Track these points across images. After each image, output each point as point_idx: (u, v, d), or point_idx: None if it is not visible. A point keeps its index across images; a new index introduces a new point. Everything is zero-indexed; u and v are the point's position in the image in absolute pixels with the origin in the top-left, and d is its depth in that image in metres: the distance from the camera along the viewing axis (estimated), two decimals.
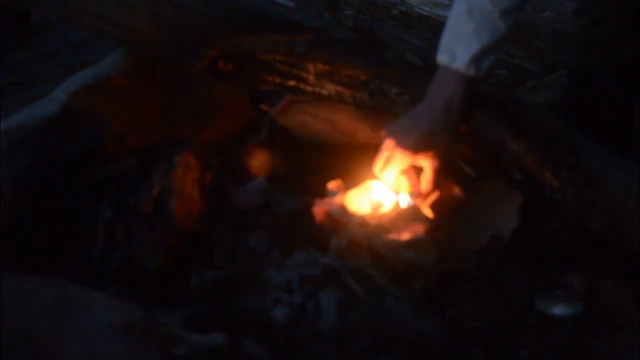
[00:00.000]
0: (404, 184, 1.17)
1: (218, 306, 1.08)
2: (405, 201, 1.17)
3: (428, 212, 1.14)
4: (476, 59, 1.09)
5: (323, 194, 1.22)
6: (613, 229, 1.08)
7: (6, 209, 1.10)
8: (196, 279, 1.13)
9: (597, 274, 1.11)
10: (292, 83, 1.27)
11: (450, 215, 1.17)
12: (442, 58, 1.11)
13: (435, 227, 1.12)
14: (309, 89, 1.26)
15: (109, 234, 1.13)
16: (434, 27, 2.50)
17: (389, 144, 1.15)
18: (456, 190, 1.21)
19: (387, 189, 1.21)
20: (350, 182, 1.24)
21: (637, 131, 1.75)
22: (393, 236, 1.11)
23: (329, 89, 1.25)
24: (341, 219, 1.16)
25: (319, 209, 1.19)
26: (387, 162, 1.16)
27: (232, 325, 1.03)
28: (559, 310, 1.06)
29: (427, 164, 1.14)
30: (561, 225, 1.15)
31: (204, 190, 1.25)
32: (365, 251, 1.12)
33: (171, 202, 1.16)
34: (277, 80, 1.28)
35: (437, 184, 1.16)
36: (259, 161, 1.36)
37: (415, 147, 1.13)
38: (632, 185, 1.07)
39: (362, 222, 1.15)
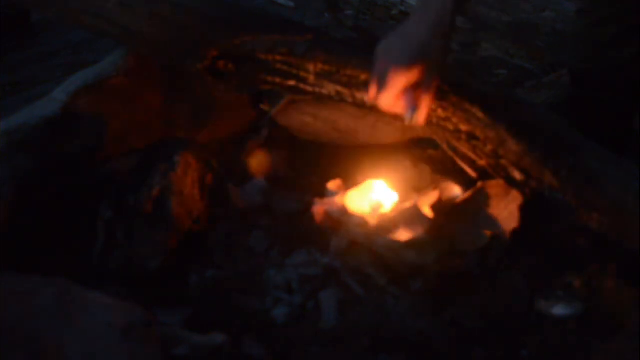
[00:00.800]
0: (403, 105, 1.09)
1: (218, 306, 1.08)
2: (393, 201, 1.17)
3: (428, 212, 1.14)
4: None
5: (323, 194, 1.22)
6: (613, 229, 1.08)
7: (6, 209, 1.10)
8: (196, 279, 1.13)
9: (597, 274, 1.11)
10: (292, 83, 1.27)
11: (450, 215, 1.17)
12: None
13: (435, 227, 1.12)
14: (309, 89, 1.26)
15: (109, 234, 1.13)
16: None
17: (380, 63, 1.08)
18: (456, 190, 1.21)
19: (387, 187, 1.21)
20: (350, 182, 1.24)
21: (637, 131, 1.75)
22: (393, 236, 1.11)
23: (329, 89, 1.25)
24: (341, 219, 1.16)
25: (319, 209, 1.19)
26: (382, 85, 1.08)
27: (232, 325, 1.03)
28: (559, 310, 1.06)
29: (423, 79, 1.07)
30: (561, 225, 1.15)
31: (204, 190, 1.25)
32: (365, 251, 1.12)
33: (171, 202, 1.16)
34: (277, 80, 1.28)
35: (434, 100, 1.10)
36: (258, 161, 1.36)
37: (409, 61, 1.05)
38: (632, 185, 1.07)
39: (362, 222, 1.15)
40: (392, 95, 1.08)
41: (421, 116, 1.08)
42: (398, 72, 1.06)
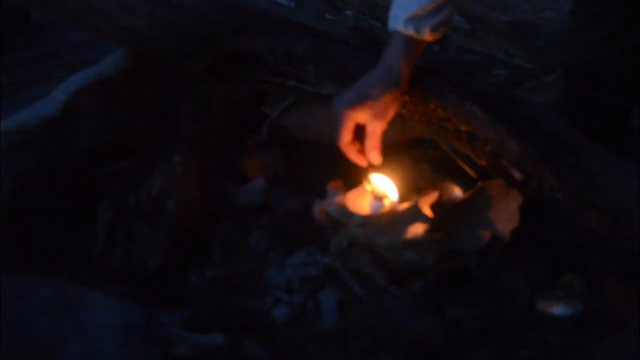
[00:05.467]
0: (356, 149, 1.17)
1: (218, 306, 1.08)
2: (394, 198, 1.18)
3: (428, 212, 1.14)
4: (414, 19, 1.13)
5: (323, 194, 1.22)
6: (613, 229, 1.08)
7: (6, 209, 1.10)
8: (196, 279, 1.13)
9: (597, 274, 1.11)
10: (292, 83, 1.27)
11: (450, 215, 1.17)
12: (389, 25, 1.16)
13: (435, 227, 1.12)
14: (309, 89, 1.26)
15: (109, 234, 1.13)
16: None
17: (332, 111, 1.16)
18: (456, 190, 1.21)
19: (387, 187, 1.21)
20: (350, 182, 1.24)
21: (637, 131, 1.75)
22: (393, 236, 1.11)
23: (329, 89, 1.25)
24: (341, 219, 1.16)
25: (319, 209, 1.19)
26: (335, 127, 1.16)
27: (232, 325, 1.03)
28: (559, 310, 1.06)
29: (369, 124, 1.15)
30: (561, 225, 1.15)
31: (204, 190, 1.25)
32: (365, 251, 1.12)
33: (171, 202, 1.16)
34: (277, 80, 1.28)
35: (382, 145, 1.16)
36: (259, 161, 1.36)
37: (348, 104, 1.14)
38: (632, 185, 1.07)
39: (362, 222, 1.14)
40: (343, 136, 1.16)
41: (373, 157, 1.16)
42: (342, 115, 1.14)
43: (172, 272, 1.13)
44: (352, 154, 1.18)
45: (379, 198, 1.21)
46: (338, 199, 1.19)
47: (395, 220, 1.14)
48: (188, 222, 1.19)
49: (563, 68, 1.69)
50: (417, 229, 1.11)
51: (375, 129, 1.15)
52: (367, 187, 1.22)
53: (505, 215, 1.15)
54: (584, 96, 1.55)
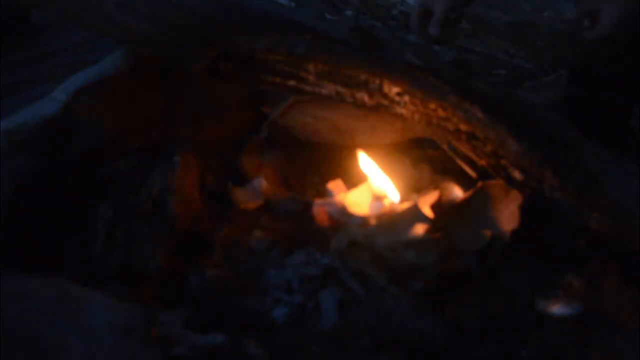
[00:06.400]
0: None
1: (218, 306, 1.08)
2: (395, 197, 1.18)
3: (428, 212, 1.14)
4: None
5: (323, 194, 1.22)
6: (613, 229, 1.08)
7: (6, 209, 1.10)
8: (196, 279, 1.13)
9: (597, 274, 1.11)
10: (292, 83, 1.27)
11: (450, 215, 1.17)
12: None
13: (435, 227, 1.12)
14: (309, 89, 1.26)
15: (109, 234, 1.13)
16: None
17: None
18: (456, 190, 1.21)
19: (387, 187, 1.21)
20: (350, 182, 1.24)
21: (637, 131, 1.75)
22: (393, 236, 1.11)
23: (329, 89, 1.25)
24: (341, 219, 1.16)
25: (319, 209, 1.20)
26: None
27: (232, 325, 1.03)
28: (559, 310, 1.06)
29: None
30: (561, 225, 1.15)
31: (204, 190, 1.25)
32: (365, 251, 1.12)
33: (171, 202, 1.16)
34: (277, 80, 1.28)
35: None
36: (259, 161, 1.36)
37: None
38: (632, 185, 1.07)
39: (362, 222, 1.14)
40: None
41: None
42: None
43: (172, 272, 1.13)
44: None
45: (379, 198, 1.21)
46: (338, 199, 1.19)
47: (395, 220, 1.14)
48: (188, 222, 1.19)
49: (567, 68, 1.69)
50: (417, 229, 1.11)
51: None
52: (367, 187, 1.22)
53: (505, 215, 1.15)
54: (584, 96, 1.55)
